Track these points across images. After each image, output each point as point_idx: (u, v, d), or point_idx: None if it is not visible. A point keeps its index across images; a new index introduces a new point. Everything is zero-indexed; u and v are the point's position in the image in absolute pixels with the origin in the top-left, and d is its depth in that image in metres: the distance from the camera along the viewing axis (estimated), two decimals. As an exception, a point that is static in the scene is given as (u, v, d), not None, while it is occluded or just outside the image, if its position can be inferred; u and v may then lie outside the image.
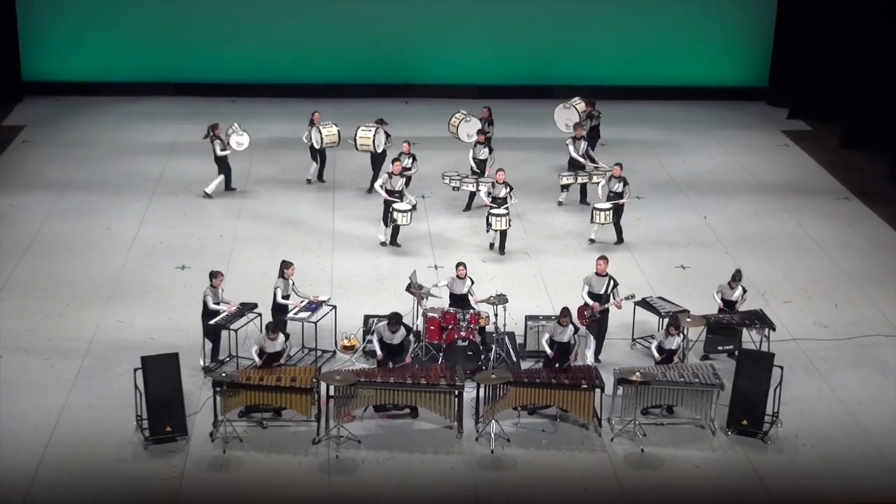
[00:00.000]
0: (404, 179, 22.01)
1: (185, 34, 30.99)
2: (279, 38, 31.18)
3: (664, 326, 16.60)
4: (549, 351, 16.41)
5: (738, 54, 32.09)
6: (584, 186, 23.99)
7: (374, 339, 16.51)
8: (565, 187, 23.93)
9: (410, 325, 17.11)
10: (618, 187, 21.90)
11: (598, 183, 22.77)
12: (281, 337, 16.15)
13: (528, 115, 26.81)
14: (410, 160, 23.06)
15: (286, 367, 16.16)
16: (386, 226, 21.84)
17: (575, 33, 31.48)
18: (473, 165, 23.57)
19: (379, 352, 16.38)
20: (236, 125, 24.54)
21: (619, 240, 22.07)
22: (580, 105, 25.90)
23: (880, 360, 17.99)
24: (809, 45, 30.17)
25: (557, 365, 16.15)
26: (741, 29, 31.81)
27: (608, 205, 21.72)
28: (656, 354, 16.33)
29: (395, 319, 16.34)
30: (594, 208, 21.77)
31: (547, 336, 16.52)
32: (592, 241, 22.03)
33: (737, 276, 17.93)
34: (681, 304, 18.22)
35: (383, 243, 21.80)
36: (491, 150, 23.81)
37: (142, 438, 15.32)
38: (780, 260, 21.69)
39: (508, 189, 21.73)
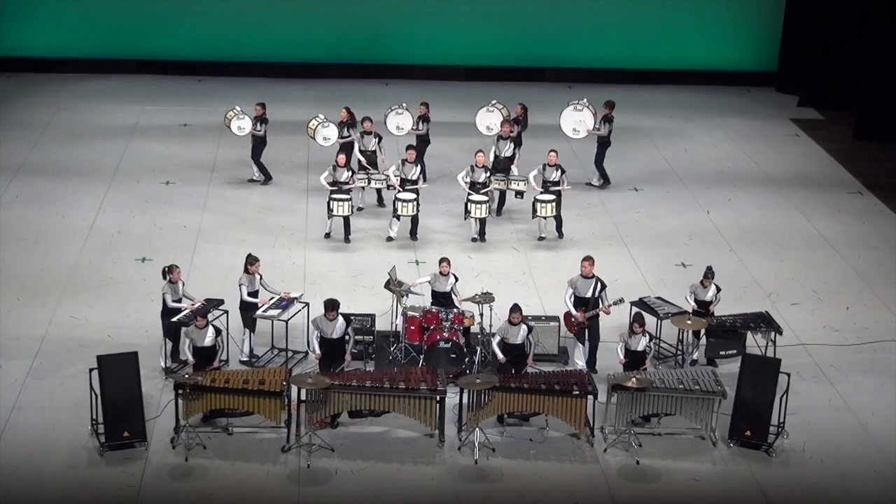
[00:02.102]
0: (419, 168, 21.92)
1: (148, 7, 30.89)
2: (250, 13, 31.10)
3: (629, 325, 16.60)
4: (500, 356, 16.40)
5: (745, 36, 32.13)
6: (502, 194, 23.14)
7: (315, 335, 16.39)
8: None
9: (350, 317, 16.97)
10: (554, 176, 21.87)
11: (516, 192, 22.75)
12: (211, 330, 16.10)
13: (518, 99, 26.74)
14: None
15: (254, 369, 16.15)
16: (397, 220, 21.77)
17: (570, 11, 31.47)
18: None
19: (317, 349, 16.29)
20: (237, 108, 24.27)
21: (560, 234, 22.04)
22: (589, 108, 24.54)
23: (895, 368, 18.05)
24: (822, 27, 30.24)
25: (514, 371, 16.17)
26: (748, 8, 31.86)
27: (551, 196, 21.67)
28: (621, 356, 16.37)
29: (331, 306, 16.19)
30: (536, 200, 21.70)
31: (498, 338, 16.49)
32: (542, 238, 22.02)
33: (709, 274, 17.91)
34: (680, 304, 18.25)
35: (389, 239, 21.74)
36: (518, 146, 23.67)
37: (97, 444, 15.26)
38: (788, 259, 21.74)
39: (488, 174, 21.75)
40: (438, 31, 31.42)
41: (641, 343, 16.36)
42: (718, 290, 17.97)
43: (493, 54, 31.62)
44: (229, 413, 15.80)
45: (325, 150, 24.04)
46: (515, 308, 16.42)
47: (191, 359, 16.04)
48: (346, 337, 16.39)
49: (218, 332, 16.31)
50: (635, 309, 17.75)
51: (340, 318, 16.29)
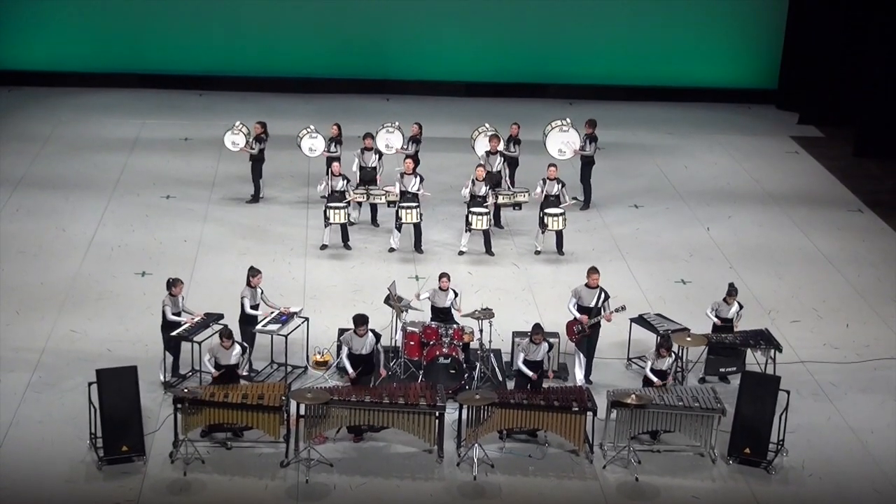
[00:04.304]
0: (418, 178, 21.97)
1: (150, 21, 30.93)
2: (251, 27, 31.14)
3: (656, 347, 16.56)
4: (529, 373, 16.39)
5: (746, 53, 32.18)
6: (497, 209, 22.97)
7: (345, 352, 16.42)
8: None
9: (378, 332, 16.97)
10: (556, 189, 21.91)
11: (514, 205, 22.76)
12: (237, 347, 16.10)
13: (519, 115, 26.79)
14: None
15: (253, 384, 16.14)
16: (398, 230, 21.87)
17: (570, 27, 31.51)
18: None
19: (350, 370, 16.31)
20: (238, 123, 24.27)
21: (560, 251, 22.00)
22: (575, 128, 24.20)
23: (894, 386, 18.02)
24: (822, 45, 30.28)
25: (530, 385, 16.20)
26: (749, 26, 31.88)
27: (560, 210, 21.74)
28: (653, 377, 16.34)
29: (360, 321, 16.22)
30: (546, 214, 21.77)
31: (521, 356, 16.50)
32: (538, 252, 22.02)
33: (732, 291, 17.94)
34: (680, 321, 18.24)
35: (392, 249, 21.85)
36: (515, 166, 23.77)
37: (95, 458, 15.24)
38: (787, 276, 21.73)
39: (488, 187, 21.83)
40: (440, 46, 31.43)
41: (666, 363, 16.35)
42: (741, 307, 18.00)
43: (495, 70, 31.65)
44: (228, 429, 15.79)
45: (323, 163, 23.98)
46: (538, 329, 16.42)
47: (213, 372, 15.99)
48: (376, 352, 16.44)
49: (244, 349, 16.32)
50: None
51: (370, 334, 16.32)
